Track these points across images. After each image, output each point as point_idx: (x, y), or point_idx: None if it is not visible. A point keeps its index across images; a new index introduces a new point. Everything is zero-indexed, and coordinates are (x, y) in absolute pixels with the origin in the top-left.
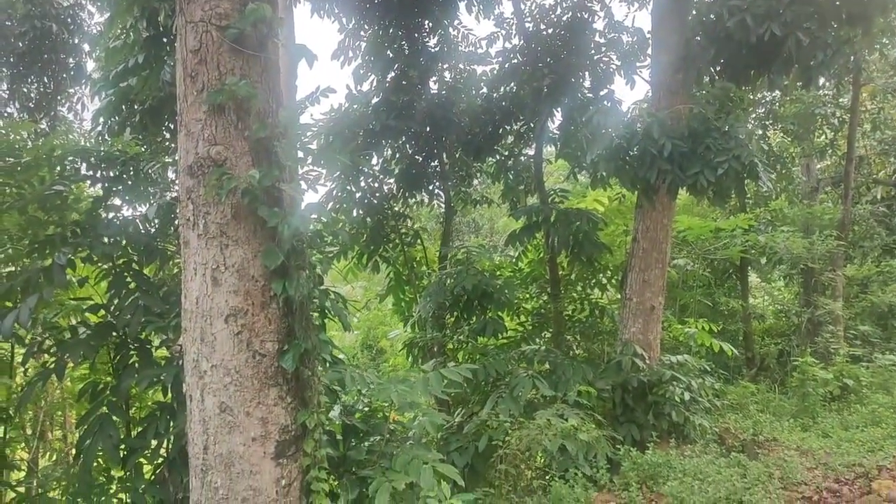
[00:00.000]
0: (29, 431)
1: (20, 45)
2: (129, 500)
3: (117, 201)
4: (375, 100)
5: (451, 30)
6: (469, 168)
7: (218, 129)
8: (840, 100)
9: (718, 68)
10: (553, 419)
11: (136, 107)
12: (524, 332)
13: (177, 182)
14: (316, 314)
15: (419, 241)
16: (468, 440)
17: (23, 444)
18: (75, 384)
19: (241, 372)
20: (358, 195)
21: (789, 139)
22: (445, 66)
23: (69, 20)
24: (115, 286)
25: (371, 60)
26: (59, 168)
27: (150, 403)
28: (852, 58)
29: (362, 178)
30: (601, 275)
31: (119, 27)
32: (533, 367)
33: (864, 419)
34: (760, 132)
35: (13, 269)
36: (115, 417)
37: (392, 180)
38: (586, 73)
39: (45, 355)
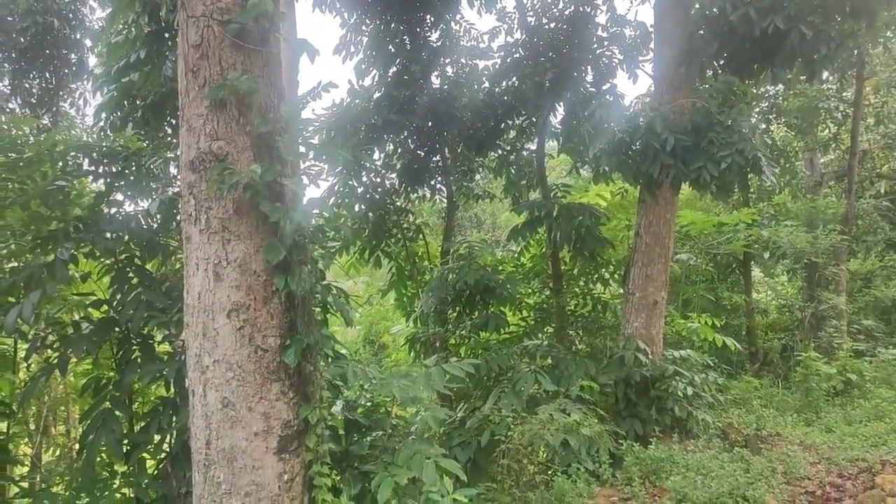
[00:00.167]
0: (32, 427)
1: (22, 40)
2: (132, 495)
3: (119, 197)
4: (377, 94)
5: (452, 24)
6: (471, 163)
7: (220, 124)
8: (844, 94)
9: (722, 62)
10: (555, 414)
11: (138, 102)
12: (526, 327)
13: (179, 177)
14: (318, 309)
15: (421, 236)
16: (470, 435)
17: (26, 440)
18: (78, 379)
19: (244, 367)
20: (360, 190)
21: (793, 133)
22: (447, 61)
23: (71, 15)
24: (118, 281)
25: (373, 55)
26: (61, 163)
27: (152, 398)
28: (856, 51)
29: (364, 173)
30: (603, 270)
31: (121, 22)
32: (535, 362)
33: (867, 414)
34: (764, 126)
35: (16, 264)
36: (118, 412)
37: (394, 175)
38: (588, 68)
39: (49, 351)
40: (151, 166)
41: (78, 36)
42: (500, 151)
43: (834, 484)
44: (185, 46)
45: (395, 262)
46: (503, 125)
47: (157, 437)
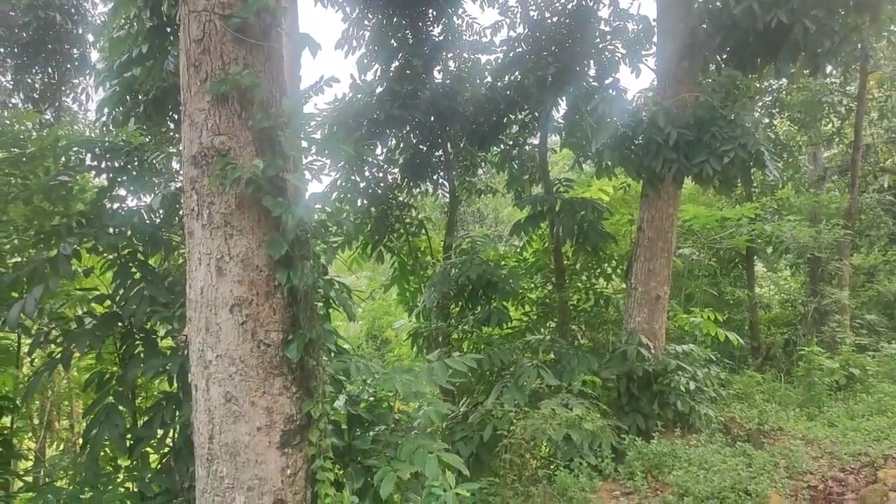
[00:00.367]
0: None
1: (24, 35)
2: (135, 490)
3: (122, 192)
4: (379, 89)
5: (455, 18)
6: (473, 158)
7: (221, 118)
8: (847, 88)
9: (724, 56)
10: (558, 409)
11: (140, 97)
12: (529, 321)
13: (181, 172)
14: (320, 304)
15: (424, 230)
16: (473, 430)
17: (30, 434)
18: (81, 374)
19: (246, 362)
20: (362, 185)
21: (796, 127)
22: (450, 56)
23: (73, 10)
24: (121, 276)
25: (375, 50)
26: (63, 158)
27: (155, 393)
28: (860, 45)
29: (366, 167)
30: (606, 264)
31: (123, 17)
32: (538, 356)
33: (869, 408)
34: (767, 120)
35: (19, 259)
36: (121, 407)
37: (396, 170)
38: (591, 62)
39: (52, 345)
40: (154, 161)
41: (80, 31)
42: (502, 146)
43: (836, 478)
44: (186, 41)
45: (398, 257)
46: (505, 120)
47: (160, 432)
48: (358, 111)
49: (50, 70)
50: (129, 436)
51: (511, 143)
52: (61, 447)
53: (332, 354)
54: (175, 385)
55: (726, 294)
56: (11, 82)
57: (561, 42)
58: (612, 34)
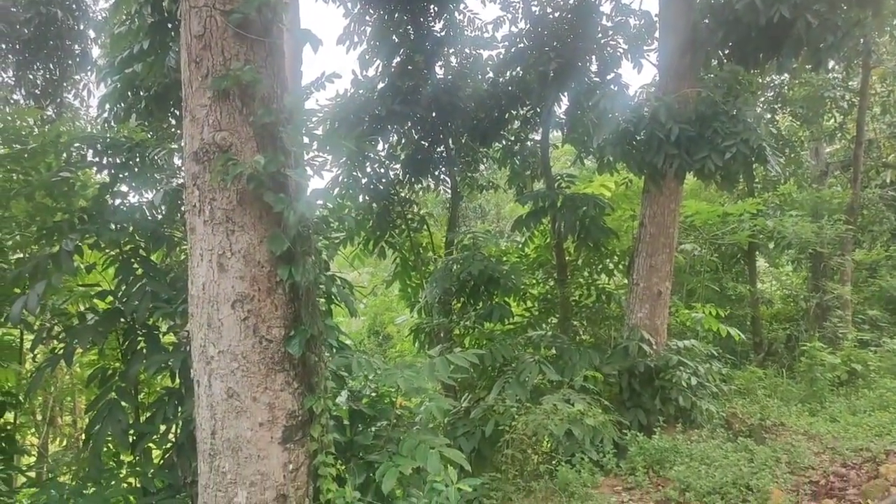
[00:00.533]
0: (39, 417)
1: (25, 31)
2: (138, 485)
3: (124, 188)
4: (381, 85)
5: (456, 14)
6: (475, 153)
7: (223, 114)
8: (850, 83)
9: (727, 51)
10: (559, 404)
11: (141, 93)
12: (531, 317)
13: (183, 168)
14: (322, 300)
15: (425, 226)
16: (475, 425)
17: (33, 430)
18: (84, 370)
19: (248, 357)
20: (364, 181)
21: (798, 123)
22: (451, 51)
23: (74, 6)
24: (123, 272)
25: (376, 45)
26: (65, 155)
27: (158, 389)
28: (862, 40)
29: (368, 163)
30: (608, 260)
31: (124, 13)
32: (539, 352)
33: (871, 404)
34: (769, 116)
35: (21, 255)
36: (123, 403)
37: (398, 166)
38: (593, 57)
39: (54, 341)
40: (155, 157)
41: (81, 27)
42: (504, 142)
43: (838, 473)
44: (187, 37)
45: (400, 253)
46: (507, 115)
47: (162, 428)
48: (359, 107)
49: (51, 66)
50: (131, 431)
51: (513, 138)
52: (64, 443)
53: (334, 350)
54: (177, 381)
55: (728, 289)
56: (13, 78)
57: (562, 37)
58: (613, 29)
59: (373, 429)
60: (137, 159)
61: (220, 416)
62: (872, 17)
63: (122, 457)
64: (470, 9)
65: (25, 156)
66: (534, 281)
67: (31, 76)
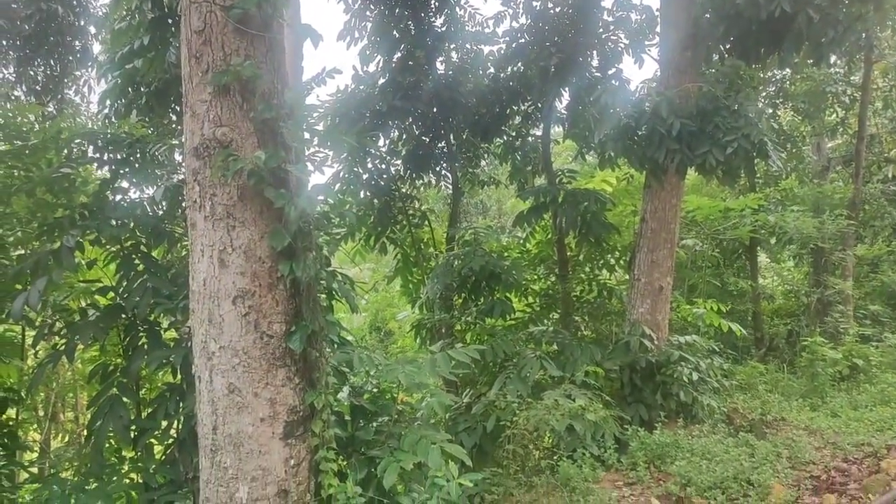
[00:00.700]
0: (41, 413)
1: (26, 27)
2: (140, 480)
3: (125, 184)
4: (382, 80)
5: (457, 9)
6: (476, 149)
7: (223, 110)
8: (851, 77)
9: (728, 46)
10: (561, 399)
11: (142, 89)
12: (532, 313)
13: (183, 164)
14: (323, 296)
15: (426, 222)
16: (476, 421)
17: (35, 426)
18: (85, 366)
19: (249, 353)
20: (365, 177)
21: (800, 118)
22: (452, 46)
23: (75, 2)
24: (124, 268)
25: (377, 41)
26: (66, 151)
27: (159, 385)
28: (864, 34)
29: (369, 159)
30: (609, 255)
31: (124, 8)
32: (541, 347)
33: (873, 399)
34: (770, 111)
35: (22, 251)
36: (125, 399)
37: (399, 162)
38: (594, 52)
39: (56, 337)
40: (156, 153)
41: (82, 23)
42: (505, 137)
43: (839, 468)
44: (187, 32)
45: (401, 249)
46: (508, 111)
47: (164, 423)
48: (360, 102)
49: (52, 62)
50: (133, 427)
51: (514, 134)
52: (66, 439)
53: (335, 346)
54: (179, 376)
55: (729, 285)
56: (14, 74)
57: (564, 32)
58: (615, 24)
59: (374, 424)
60: (138, 155)
61: (222, 412)
62: (874, 12)
63: (123, 452)
64: (471, 4)
65: (26, 152)
66: (535, 276)
67: (31, 72)
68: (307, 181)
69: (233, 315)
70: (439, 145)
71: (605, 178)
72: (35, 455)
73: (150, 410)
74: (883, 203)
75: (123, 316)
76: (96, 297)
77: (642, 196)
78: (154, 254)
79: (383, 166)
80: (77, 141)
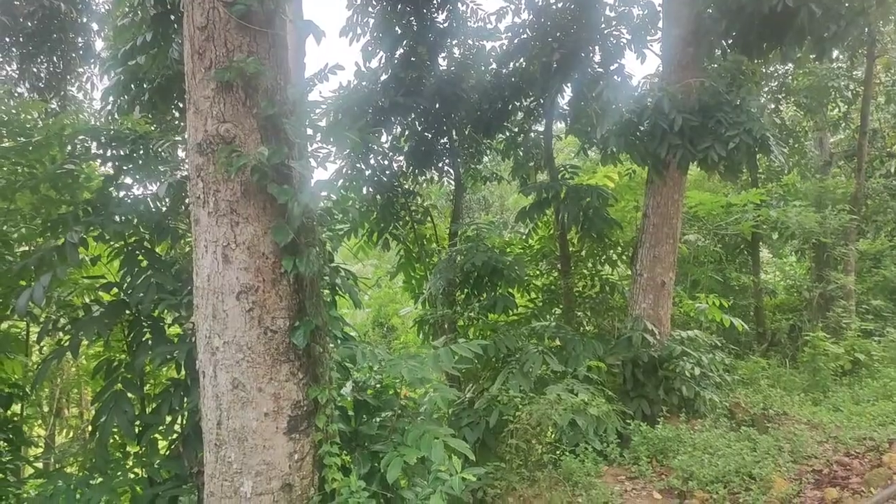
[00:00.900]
0: (45, 408)
1: (29, 24)
2: (144, 475)
3: (128, 180)
4: (384, 77)
5: (459, 5)
6: (479, 145)
7: (226, 106)
8: (854, 72)
9: (730, 41)
10: (563, 394)
11: (145, 85)
12: (534, 308)
13: (187, 160)
14: (326, 291)
15: (429, 218)
16: (479, 415)
17: (40, 421)
18: (90, 361)
19: (253, 348)
20: (367, 173)
21: (802, 112)
22: (454, 42)
23: None
24: (128, 264)
25: (379, 37)
26: (69, 147)
27: (163, 380)
28: (866, 29)
29: (372, 155)
30: (611, 251)
31: (127, 5)
32: (543, 343)
33: (875, 393)
34: (773, 106)
35: (27, 248)
36: (129, 394)
37: (401, 158)
38: (596, 48)
39: (60, 333)
40: (159, 149)
41: (85, 19)
42: (507, 133)
43: (841, 462)
44: (190, 28)
45: (404, 245)
46: (510, 107)
47: (168, 418)
48: (363, 98)
49: (55, 59)
50: (137, 422)
51: (516, 129)
52: (71, 434)
53: (339, 341)
54: (183, 372)
55: (731, 280)
56: (17, 71)
57: (566, 28)
58: (617, 20)
59: (377, 419)
60: (141, 151)
61: (226, 407)
62: (876, 6)
63: (128, 447)
64: (473, 0)
65: (30, 148)
66: (537, 272)
67: (34, 69)
68: (310, 177)
69: (237, 311)
70: (441, 141)
71: (608, 173)
72: (40, 450)
73: (154, 406)
74: (885, 198)
75: (127, 312)
76: (100, 293)
77: (644, 191)
78: (158, 250)
79: (386, 162)
80: (80, 137)
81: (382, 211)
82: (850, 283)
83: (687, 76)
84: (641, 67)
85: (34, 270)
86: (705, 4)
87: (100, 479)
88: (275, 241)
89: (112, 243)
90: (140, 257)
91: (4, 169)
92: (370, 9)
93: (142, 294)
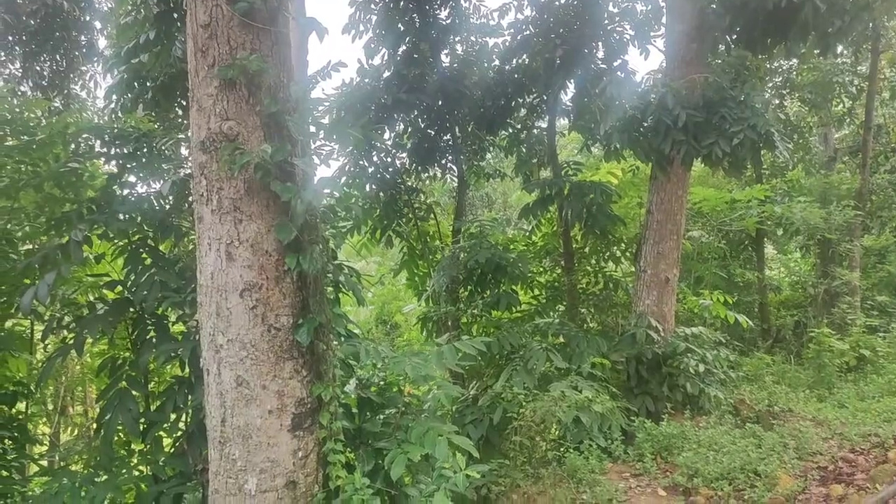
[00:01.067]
0: (50, 406)
1: (32, 22)
2: (149, 472)
3: (132, 178)
4: (387, 74)
5: (462, 1)
6: (482, 141)
7: (229, 103)
8: (858, 68)
9: (734, 37)
10: (567, 391)
11: (148, 83)
12: (538, 305)
13: (190, 158)
14: (330, 288)
15: (432, 215)
16: (483, 412)
17: (44, 419)
18: (94, 359)
19: (257, 346)
20: (370, 170)
21: (806, 108)
22: (457, 39)
23: None
24: (132, 262)
25: (382, 34)
26: (73, 146)
27: (168, 378)
28: (871, 24)
29: (375, 152)
30: (615, 247)
31: (129, 3)
32: (547, 339)
33: (880, 389)
34: (777, 101)
35: (31, 246)
36: (134, 392)
37: (404, 155)
38: (599, 44)
39: (65, 331)
40: (163, 147)
41: (87, 18)
42: (510, 130)
43: (846, 459)
44: (193, 26)
45: (407, 242)
46: (514, 103)
47: (173, 416)
48: (365, 96)
49: (58, 57)
50: (142, 420)
51: (519, 126)
52: (75, 432)
53: (342, 339)
54: (187, 369)
55: (736, 276)
56: (20, 70)
57: (569, 24)
58: (620, 15)
59: (381, 416)
60: (145, 149)
61: (230, 405)
62: (881, 1)
63: (132, 445)
64: None
65: (34, 147)
66: (541, 269)
67: (37, 67)
68: (313, 174)
69: (240, 308)
70: (444, 138)
71: (611, 169)
72: (45, 448)
73: (158, 403)
74: (890, 193)
75: (132, 310)
76: (104, 291)
77: (648, 188)
78: (161, 248)
79: (389, 159)
80: (84, 136)
81: (385, 208)
82: (855, 279)
83: (691, 72)
84: (645, 63)
85: (38, 268)
86: (709, 0)
87: (104, 477)
88: (278, 238)
89: (116, 241)
90: (144, 255)
91: (8, 167)
92: (372, 6)
93: (146, 292)
